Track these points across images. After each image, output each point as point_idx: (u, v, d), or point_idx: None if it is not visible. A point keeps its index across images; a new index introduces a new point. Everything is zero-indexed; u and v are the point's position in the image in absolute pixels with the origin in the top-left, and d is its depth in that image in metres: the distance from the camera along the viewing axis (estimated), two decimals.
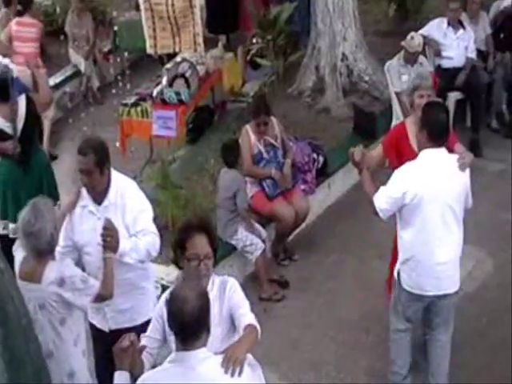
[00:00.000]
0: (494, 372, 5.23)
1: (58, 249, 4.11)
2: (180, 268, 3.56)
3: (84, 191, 4.29)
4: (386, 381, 5.25)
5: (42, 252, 3.86)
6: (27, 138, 5.95)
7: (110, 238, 3.94)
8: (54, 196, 5.99)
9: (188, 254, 3.45)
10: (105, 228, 3.95)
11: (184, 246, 3.47)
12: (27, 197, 5.96)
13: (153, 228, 4.30)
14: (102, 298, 4.03)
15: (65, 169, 8.36)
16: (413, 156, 4.68)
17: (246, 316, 3.45)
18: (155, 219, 5.97)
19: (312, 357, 5.55)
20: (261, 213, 6.40)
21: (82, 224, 4.26)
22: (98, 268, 4.10)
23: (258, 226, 6.23)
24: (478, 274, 6.28)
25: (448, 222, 4.57)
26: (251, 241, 6.06)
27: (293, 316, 5.98)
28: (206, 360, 3.01)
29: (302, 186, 6.76)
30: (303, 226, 6.75)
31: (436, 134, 4.50)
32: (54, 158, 8.73)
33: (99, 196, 4.25)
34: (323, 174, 7.18)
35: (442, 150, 4.55)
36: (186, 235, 3.48)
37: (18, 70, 8.34)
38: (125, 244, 4.05)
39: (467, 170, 4.63)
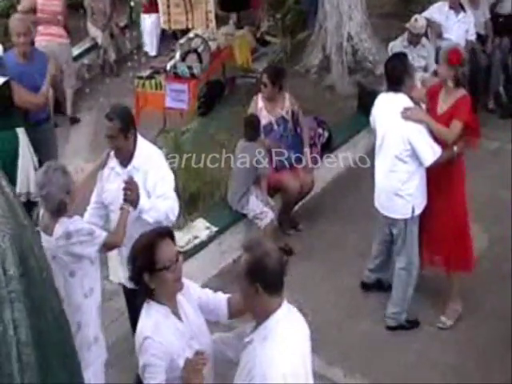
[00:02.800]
0: (487, 338, 5.18)
1: (90, 205, 4.35)
2: (147, 292, 3.09)
3: (113, 154, 4.30)
4: (383, 344, 5.22)
5: (52, 212, 3.88)
6: None
7: (130, 191, 3.94)
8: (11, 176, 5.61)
9: (162, 265, 3.00)
10: (126, 182, 3.97)
11: (154, 261, 3.01)
12: None
13: (173, 194, 4.29)
14: (112, 245, 4.03)
15: (82, 136, 8.30)
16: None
17: (217, 293, 3.39)
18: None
19: (314, 320, 5.40)
20: (268, 183, 6.30)
21: (109, 184, 4.29)
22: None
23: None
24: (474, 247, 6.19)
25: (385, 153, 5.02)
26: (261, 209, 5.97)
27: (296, 282, 5.84)
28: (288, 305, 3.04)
29: None
30: (308, 197, 6.65)
31: (385, 77, 5.12)
32: (77, 120, 8.67)
33: (125, 160, 4.25)
34: (328, 148, 7.05)
35: (398, 96, 4.96)
36: (153, 248, 3.02)
37: (42, 45, 8.25)
38: (145, 202, 4.05)
39: (414, 126, 4.86)
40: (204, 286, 3.78)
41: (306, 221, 6.62)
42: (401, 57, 5.28)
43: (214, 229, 6.00)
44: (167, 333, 3.04)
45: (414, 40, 7.38)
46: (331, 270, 5.98)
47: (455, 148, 4.97)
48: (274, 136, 6.25)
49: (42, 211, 4.04)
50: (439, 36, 7.90)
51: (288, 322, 2.99)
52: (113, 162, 4.30)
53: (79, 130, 8.49)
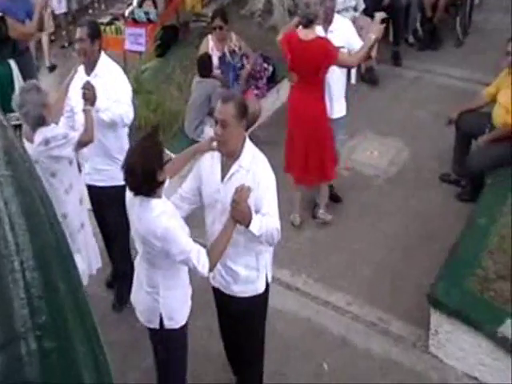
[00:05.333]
0: (410, 235, 5.35)
1: (64, 113, 4.38)
2: (155, 188, 3.11)
3: (80, 68, 4.39)
4: (324, 248, 5.31)
5: (33, 126, 3.95)
6: None
7: (88, 93, 4.00)
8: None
9: (167, 158, 3.13)
10: (84, 85, 4.03)
11: (162, 156, 3.08)
12: None
13: (128, 101, 4.32)
14: (84, 143, 4.07)
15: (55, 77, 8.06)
16: None
17: None
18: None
19: None
20: None
21: (76, 88, 4.32)
22: (82, 124, 4.12)
23: None
24: (397, 160, 6.32)
25: None
26: None
27: None
28: None
29: (255, 91, 6.60)
30: (256, 124, 6.61)
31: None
32: (54, 68, 8.37)
33: (90, 69, 4.34)
34: (272, 81, 7.00)
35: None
36: (161, 145, 3.14)
37: None
38: (101, 102, 4.11)
39: None
40: None
41: (254, 144, 6.57)
42: None
43: (174, 156, 5.94)
44: (171, 218, 3.13)
45: None
46: (278, 185, 5.99)
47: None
48: (227, 67, 6.14)
49: (24, 125, 4.09)
50: None
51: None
52: (80, 73, 4.40)
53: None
